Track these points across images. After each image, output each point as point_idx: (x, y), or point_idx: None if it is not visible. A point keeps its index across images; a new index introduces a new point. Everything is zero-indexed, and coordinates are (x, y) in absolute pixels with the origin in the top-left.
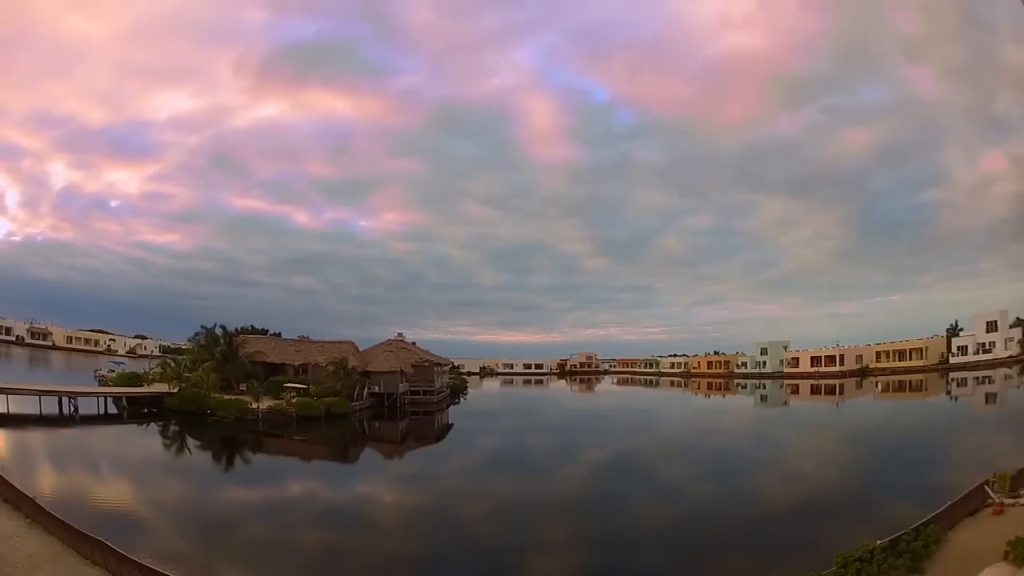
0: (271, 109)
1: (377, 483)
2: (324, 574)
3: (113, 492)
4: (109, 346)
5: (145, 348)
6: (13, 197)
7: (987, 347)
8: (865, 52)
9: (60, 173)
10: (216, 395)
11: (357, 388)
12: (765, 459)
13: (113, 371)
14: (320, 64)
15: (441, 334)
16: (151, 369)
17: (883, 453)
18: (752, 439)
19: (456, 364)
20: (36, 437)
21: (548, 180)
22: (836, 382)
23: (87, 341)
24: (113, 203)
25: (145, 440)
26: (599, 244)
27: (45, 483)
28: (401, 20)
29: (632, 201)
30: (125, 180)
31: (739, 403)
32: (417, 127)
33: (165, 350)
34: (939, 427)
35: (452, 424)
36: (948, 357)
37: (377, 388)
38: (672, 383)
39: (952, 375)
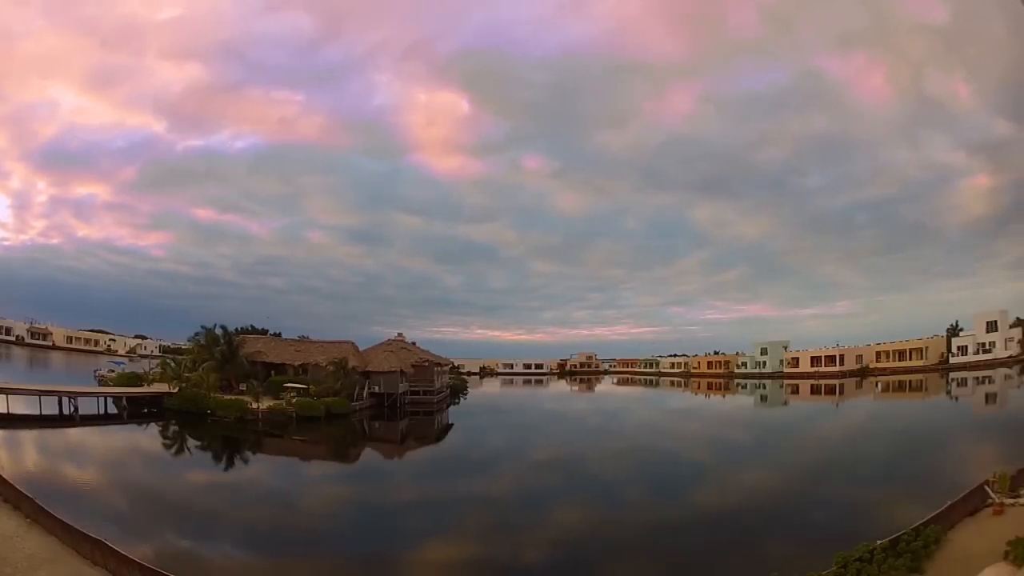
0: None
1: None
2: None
3: (113, 492)
4: (109, 346)
5: (145, 348)
6: (4, 202)
7: (987, 347)
8: (759, 36)
9: (40, 187)
10: (216, 395)
11: (357, 388)
12: (714, 465)
13: (113, 371)
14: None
15: (422, 333)
16: (151, 369)
17: (837, 463)
18: (713, 443)
19: (456, 364)
20: (36, 437)
21: (458, 191)
22: (836, 382)
23: (87, 341)
24: (90, 210)
25: (145, 440)
26: (534, 248)
27: (45, 483)
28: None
29: (549, 207)
30: (97, 192)
31: (727, 404)
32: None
33: (165, 350)
34: (919, 433)
35: (452, 424)
36: (948, 357)
37: (377, 388)
38: (672, 383)
39: (952, 375)
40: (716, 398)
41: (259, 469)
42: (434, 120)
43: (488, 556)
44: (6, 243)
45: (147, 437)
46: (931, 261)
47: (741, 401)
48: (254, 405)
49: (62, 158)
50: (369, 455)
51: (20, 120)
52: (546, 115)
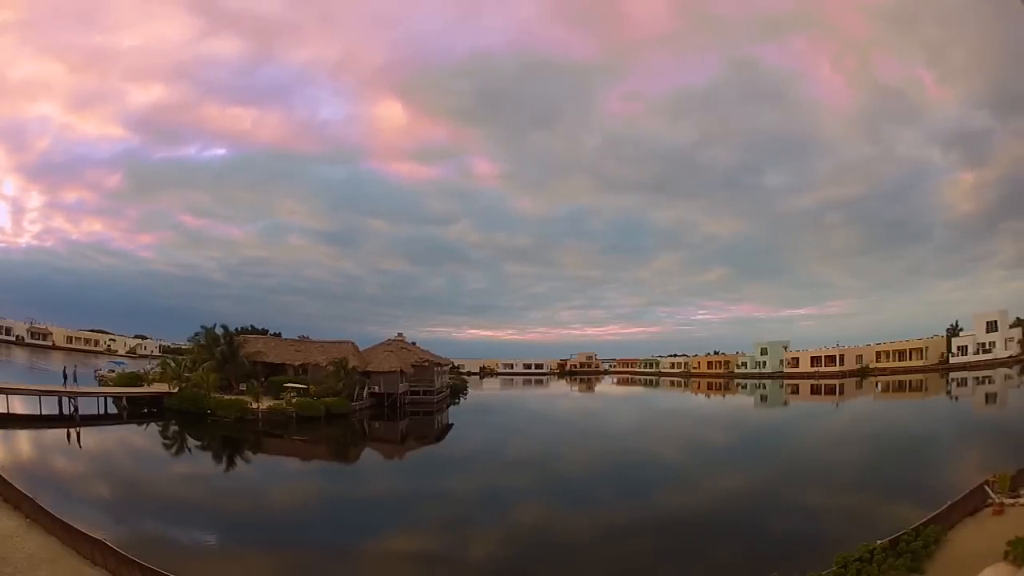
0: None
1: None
2: None
3: (113, 491)
4: (109, 346)
5: (145, 348)
6: (3, 208)
7: (987, 347)
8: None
9: (34, 195)
10: (216, 395)
11: (357, 388)
12: (690, 467)
13: (113, 371)
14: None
15: (415, 333)
16: (151, 369)
17: (818, 467)
18: (695, 445)
19: (456, 364)
20: (36, 437)
21: (417, 195)
22: (836, 382)
23: (87, 341)
24: (80, 215)
25: (145, 440)
26: (502, 249)
27: (45, 483)
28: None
29: (510, 209)
30: (86, 198)
31: (722, 404)
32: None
33: (165, 350)
34: (911, 435)
35: (452, 424)
36: (948, 357)
37: (377, 388)
38: (672, 383)
39: (952, 375)
40: (714, 398)
41: (259, 469)
42: (376, 128)
43: (437, 551)
44: (3, 245)
45: (147, 437)
46: (919, 261)
47: (737, 401)
48: (254, 405)
49: (53, 168)
50: (349, 455)
51: (13, 135)
52: (476, 119)
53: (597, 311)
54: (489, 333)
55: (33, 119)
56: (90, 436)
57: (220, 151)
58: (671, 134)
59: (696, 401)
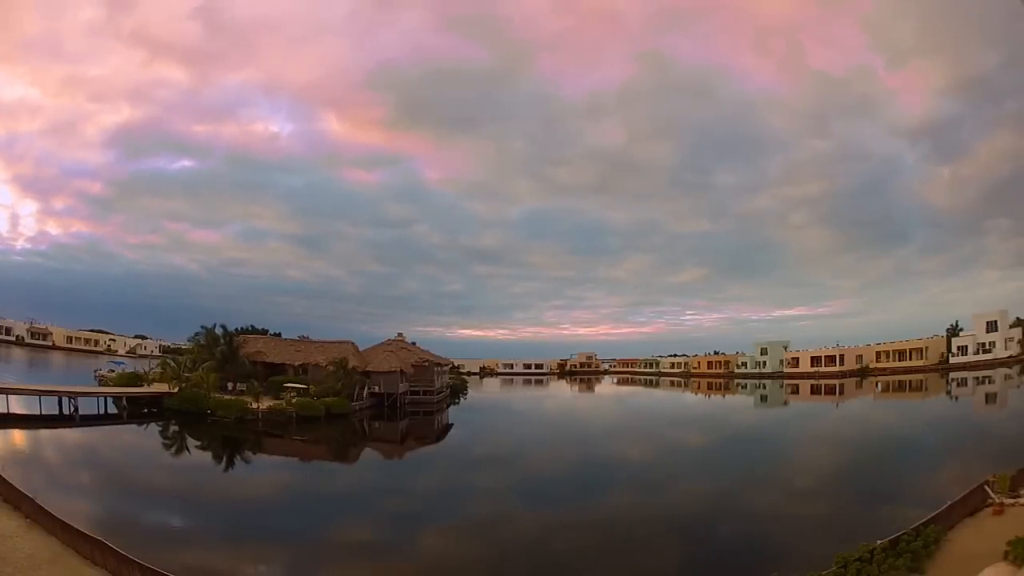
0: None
1: None
2: None
3: (113, 491)
4: (109, 346)
5: (145, 348)
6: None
7: (987, 347)
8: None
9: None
10: (216, 395)
11: (357, 388)
12: (659, 471)
13: (113, 371)
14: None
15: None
16: (151, 369)
17: (788, 473)
18: (667, 450)
19: (456, 364)
20: (36, 437)
21: (375, 200)
22: (836, 382)
23: (87, 341)
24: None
25: (145, 440)
26: (469, 251)
27: (45, 483)
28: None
29: (466, 212)
30: (74, 206)
31: (715, 405)
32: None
33: (165, 350)
34: (895, 439)
35: (452, 424)
36: (948, 357)
37: (377, 388)
38: (672, 383)
39: (952, 375)
40: (713, 398)
41: (259, 469)
42: (319, 140)
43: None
44: (2, 248)
45: (147, 437)
46: (905, 261)
47: (732, 402)
48: (254, 405)
49: (43, 180)
50: (348, 455)
51: (6, 149)
52: (403, 126)
53: (581, 312)
54: (480, 333)
55: (24, 135)
56: (90, 436)
57: (187, 163)
58: (597, 135)
59: (693, 401)
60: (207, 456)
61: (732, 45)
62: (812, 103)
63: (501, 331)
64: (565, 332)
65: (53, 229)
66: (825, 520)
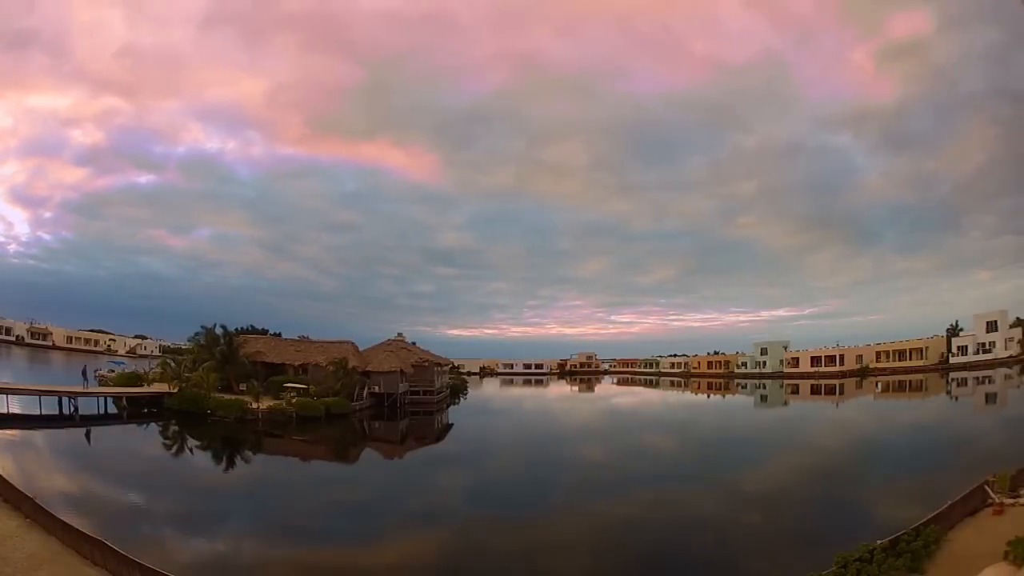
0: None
1: None
2: None
3: (113, 491)
4: (109, 346)
5: (145, 348)
6: None
7: (987, 347)
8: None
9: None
10: (216, 395)
11: (357, 388)
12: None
13: (113, 371)
14: None
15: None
16: (151, 369)
17: (753, 483)
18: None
19: (456, 364)
20: (36, 437)
21: (319, 208)
22: (836, 382)
23: (87, 341)
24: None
25: (144, 440)
26: (425, 253)
27: (45, 483)
28: None
29: (406, 217)
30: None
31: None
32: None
33: (165, 350)
34: (880, 443)
35: (452, 424)
36: (948, 357)
37: (377, 388)
38: (672, 383)
39: (952, 375)
40: (712, 399)
41: (258, 468)
42: (255, 155)
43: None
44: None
45: (146, 437)
46: (881, 261)
47: (728, 403)
48: (254, 405)
49: (31, 193)
50: (348, 455)
51: None
52: (316, 139)
53: (559, 311)
54: (468, 332)
55: (13, 150)
56: (90, 436)
57: (151, 177)
58: (495, 139)
59: (693, 401)
60: (207, 456)
61: (614, 47)
62: (718, 97)
63: (488, 330)
64: (553, 332)
65: (44, 235)
66: (764, 532)
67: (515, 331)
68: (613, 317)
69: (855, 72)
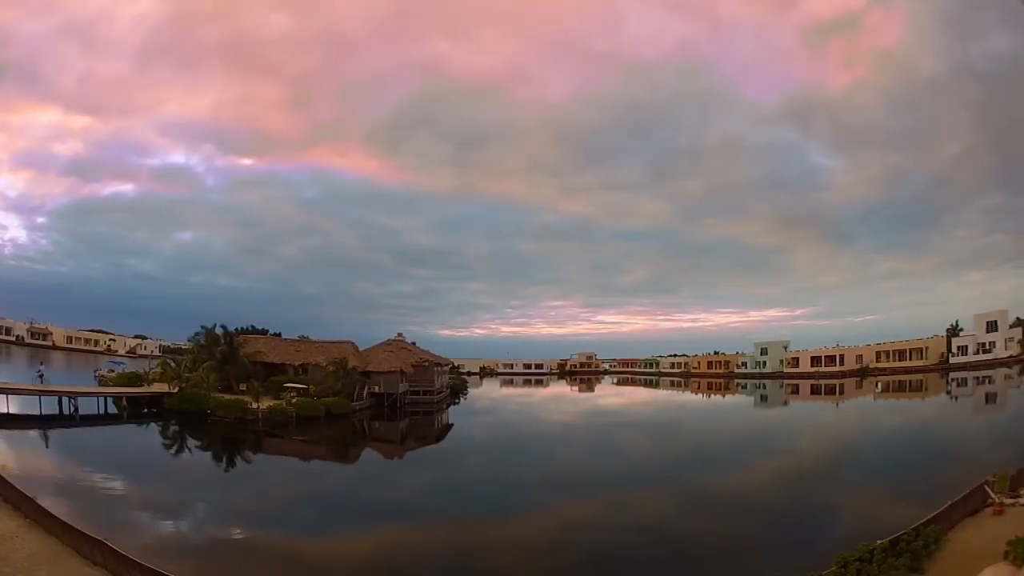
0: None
1: None
2: None
3: (113, 491)
4: (109, 346)
5: (145, 348)
6: None
7: (987, 347)
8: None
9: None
10: (216, 395)
11: (357, 388)
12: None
13: (113, 371)
14: None
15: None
16: (151, 369)
17: (726, 489)
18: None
19: (456, 364)
20: (36, 437)
21: (282, 213)
22: (836, 382)
23: (87, 341)
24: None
25: (145, 440)
26: (397, 255)
27: (45, 483)
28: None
29: (372, 221)
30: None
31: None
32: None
33: (165, 350)
34: (866, 447)
35: (452, 424)
36: (948, 357)
37: (377, 388)
38: (672, 383)
39: (952, 375)
40: (711, 399)
41: (257, 468)
42: (215, 167)
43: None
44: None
45: (146, 437)
46: (863, 261)
47: (726, 403)
48: (254, 405)
49: (21, 202)
50: (348, 455)
51: None
52: (263, 148)
53: (544, 310)
54: (460, 333)
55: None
56: (90, 436)
57: (130, 186)
58: (417, 145)
59: (693, 401)
60: (207, 455)
61: (514, 51)
62: (634, 96)
63: (478, 330)
64: (544, 332)
65: (39, 238)
66: (706, 541)
67: (506, 330)
68: (597, 317)
69: (786, 60)
